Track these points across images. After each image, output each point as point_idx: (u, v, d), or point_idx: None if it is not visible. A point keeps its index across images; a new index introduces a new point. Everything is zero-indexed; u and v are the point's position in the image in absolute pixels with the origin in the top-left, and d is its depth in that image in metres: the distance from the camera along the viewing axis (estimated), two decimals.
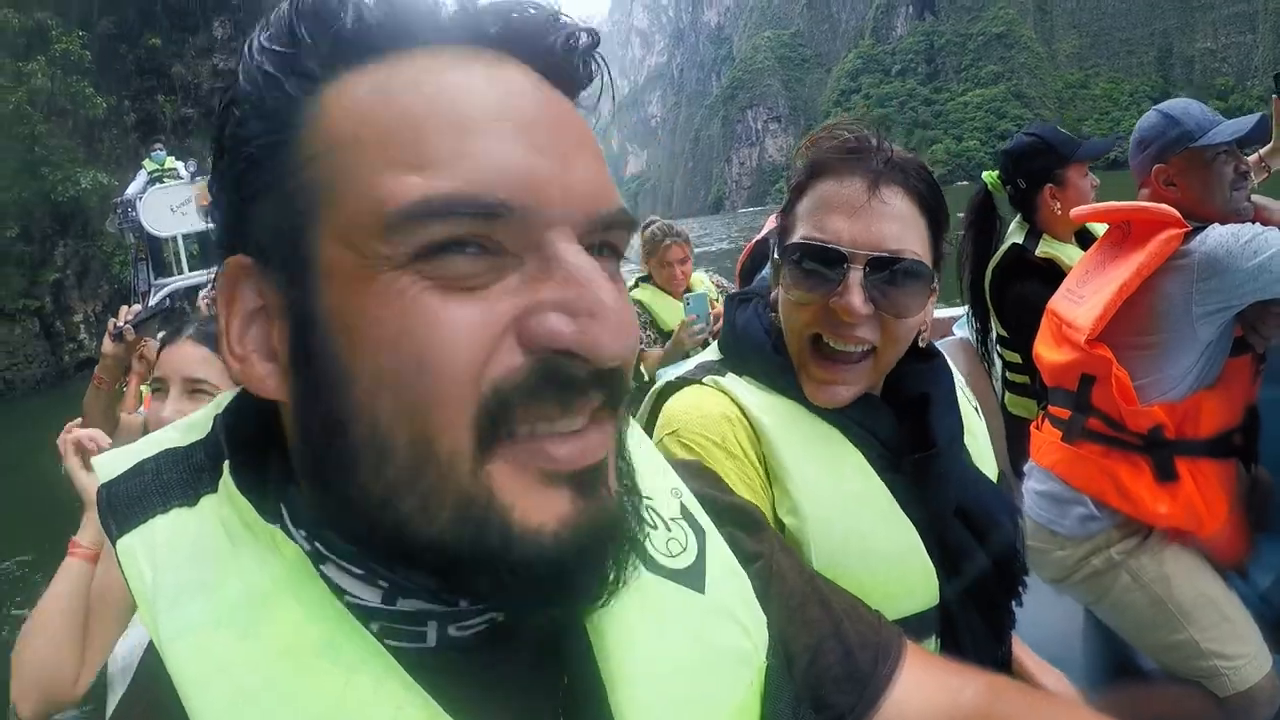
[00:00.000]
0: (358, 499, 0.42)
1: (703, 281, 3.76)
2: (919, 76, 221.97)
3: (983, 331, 2.81)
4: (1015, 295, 2.56)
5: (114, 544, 0.47)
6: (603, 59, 0.49)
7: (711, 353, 1.15)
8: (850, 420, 1.02)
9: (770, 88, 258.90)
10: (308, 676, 0.42)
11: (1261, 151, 2.28)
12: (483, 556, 0.41)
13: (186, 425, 0.52)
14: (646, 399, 1.13)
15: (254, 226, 0.43)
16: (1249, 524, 1.90)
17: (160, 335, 1.73)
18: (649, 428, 1.06)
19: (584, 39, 0.48)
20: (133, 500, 0.48)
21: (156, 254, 11.52)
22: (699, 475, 0.75)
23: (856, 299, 0.95)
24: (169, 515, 0.47)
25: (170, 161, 12.03)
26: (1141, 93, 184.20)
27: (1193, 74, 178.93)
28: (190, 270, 11.03)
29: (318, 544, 0.46)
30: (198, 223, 10.72)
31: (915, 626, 0.94)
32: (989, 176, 2.74)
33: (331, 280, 0.41)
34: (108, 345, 2.72)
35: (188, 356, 1.47)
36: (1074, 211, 2.17)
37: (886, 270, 0.96)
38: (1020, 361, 2.54)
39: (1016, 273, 2.59)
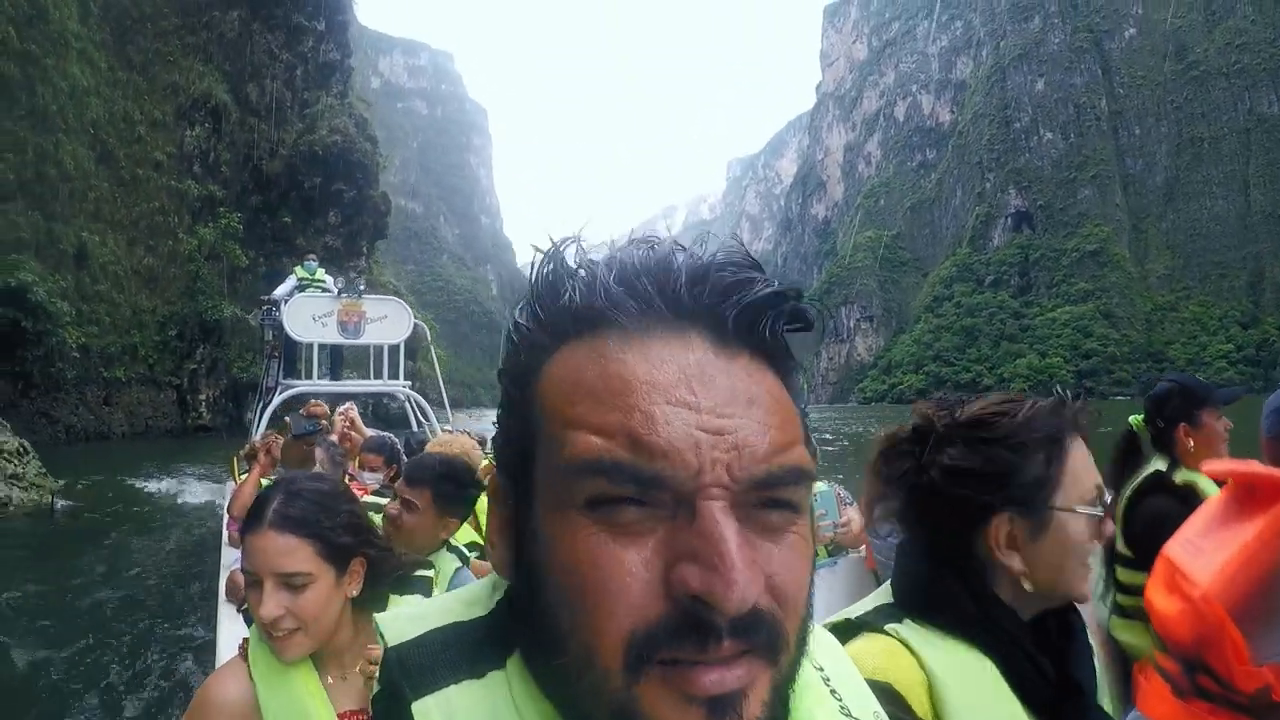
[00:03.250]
0: (553, 676, 0.51)
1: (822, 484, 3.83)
2: (1011, 289, 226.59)
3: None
4: (1150, 510, 2.75)
5: (409, 705, 0.54)
6: (805, 314, 0.55)
7: (884, 594, 1.24)
8: (1017, 658, 1.13)
9: (866, 286, 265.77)
10: None
11: None
12: None
13: (469, 599, 0.60)
14: None
15: (506, 443, 0.56)
16: None
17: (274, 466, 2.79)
18: None
19: (770, 307, 0.53)
20: (425, 668, 0.55)
21: (290, 356, 11.91)
22: (894, 700, 0.96)
23: None
24: (460, 686, 0.54)
25: (320, 273, 12.44)
26: (1230, 317, 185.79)
27: None
28: (318, 378, 11.50)
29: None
30: (335, 336, 11.24)
31: None
32: (1134, 420, 3.03)
33: (544, 506, 0.51)
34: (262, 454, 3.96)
35: (272, 548, 1.47)
36: (1206, 466, 2.15)
37: None
38: (1140, 585, 2.39)
39: (1154, 491, 2.80)
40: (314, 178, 38.02)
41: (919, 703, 1.07)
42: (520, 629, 0.55)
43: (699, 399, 0.50)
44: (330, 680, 1.54)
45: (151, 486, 17.11)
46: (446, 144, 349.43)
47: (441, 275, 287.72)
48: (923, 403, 1.22)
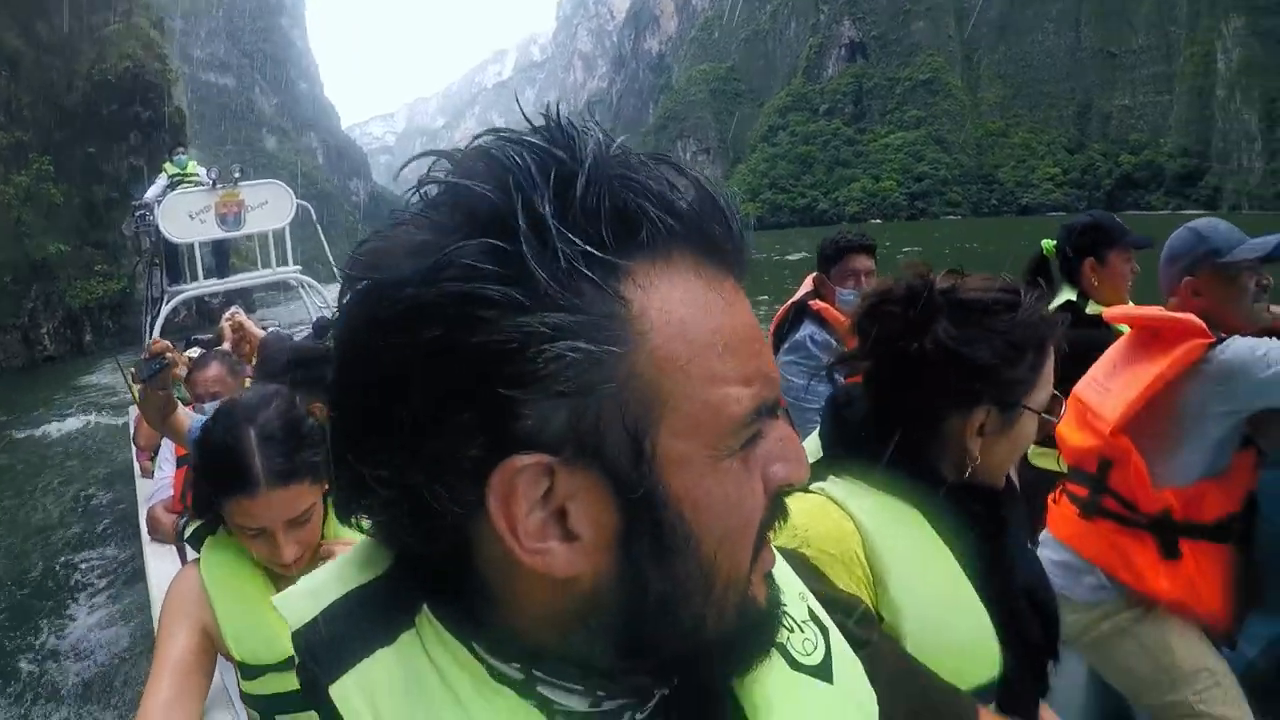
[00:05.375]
0: (668, 624, 0.51)
1: None
2: (845, 117, 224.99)
3: None
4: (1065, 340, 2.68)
5: (326, 690, 0.52)
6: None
7: (809, 451, 1.25)
8: (948, 508, 1.17)
9: (702, 120, 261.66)
10: None
11: None
12: (741, 636, 0.55)
13: (362, 561, 0.57)
14: None
15: (551, 425, 0.46)
16: (1240, 601, 2.13)
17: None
18: None
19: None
20: (336, 645, 0.53)
21: (172, 260, 11.41)
22: (805, 568, 0.90)
23: None
24: (374, 658, 0.52)
25: (192, 166, 11.82)
26: (1058, 143, 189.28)
27: (1109, 128, 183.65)
28: (205, 279, 11.06)
29: (534, 671, 0.53)
30: (216, 230, 10.77)
31: (982, 694, 1.11)
32: (1046, 245, 3.15)
33: (682, 467, 0.49)
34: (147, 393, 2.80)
35: (277, 503, 1.43)
36: (1109, 313, 2.44)
37: None
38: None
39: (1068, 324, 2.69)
40: (110, 105, 38.92)
41: (850, 558, 1.11)
42: (432, 579, 0.54)
43: (761, 336, 0.53)
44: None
45: (36, 429, 14.79)
46: (254, 8, 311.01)
47: (264, 151, 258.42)
48: (913, 263, 1.23)
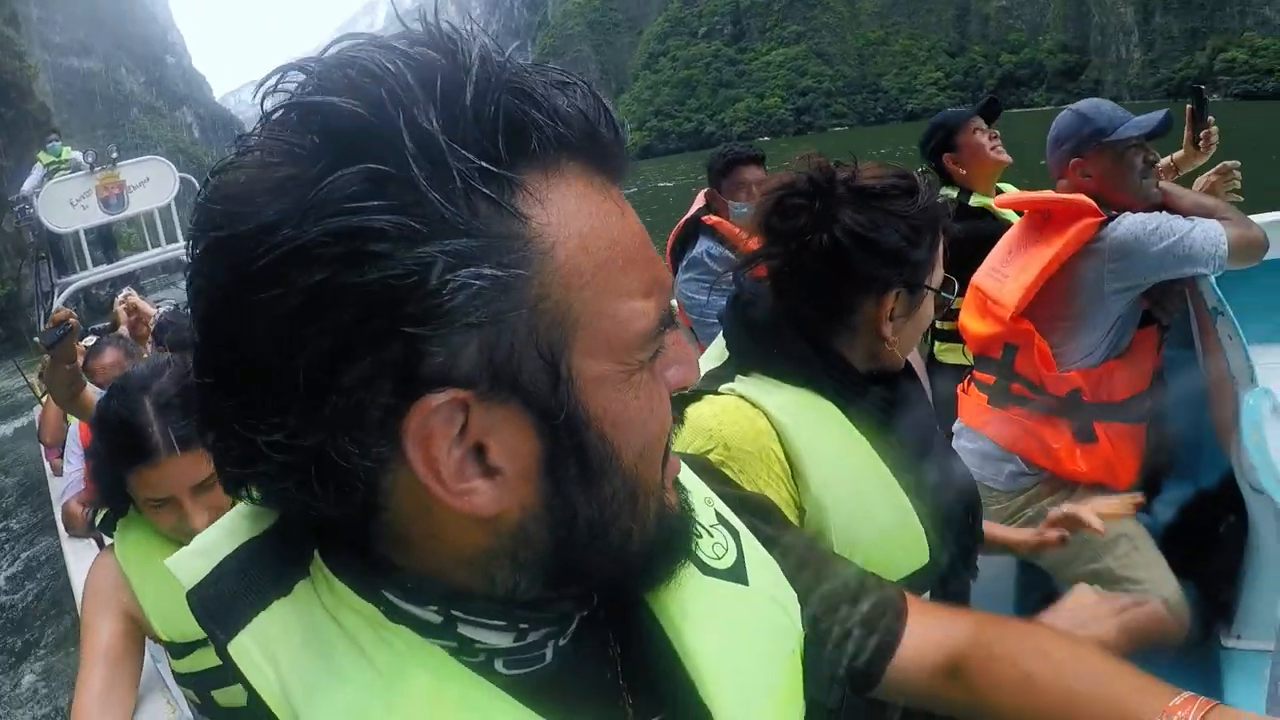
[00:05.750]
0: (597, 545, 0.51)
1: None
2: (724, 38, 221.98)
3: None
4: (954, 234, 2.38)
5: (225, 649, 0.50)
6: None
7: (712, 360, 1.26)
8: (859, 397, 1.18)
9: (581, 53, 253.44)
10: None
11: (1174, 157, 2.57)
12: (662, 544, 0.55)
13: (252, 512, 0.55)
14: None
15: (462, 360, 0.43)
16: (1155, 473, 2.28)
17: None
18: None
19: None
20: (231, 602, 0.51)
21: (58, 251, 11.20)
22: (708, 471, 0.90)
23: None
24: (270, 611, 0.51)
25: (67, 152, 11.52)
26: (939, 48, 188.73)
27: (988, 30, 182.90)
28: (94, 266, 10.70)
29: (453, 612, 0.51)
30: (99, 215, 10.56)
31: (914, 584, 1.11)
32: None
33: (599, 386, 0.47)
34: (51, 366, 2.94)
35: (179, 470, 1.39)
36: (1000, 199, 2.55)
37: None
38: (955, 309, 2.57)
39: (955, 217, 2.67)
40: None
41: (767, 454, 1.11)
42: (321, 524, 0.51)
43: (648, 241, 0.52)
44: None
45: None
46: None
47: (136, 131, 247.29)
48: (806, 156, 1.23)
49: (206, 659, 1.46)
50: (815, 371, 1.17)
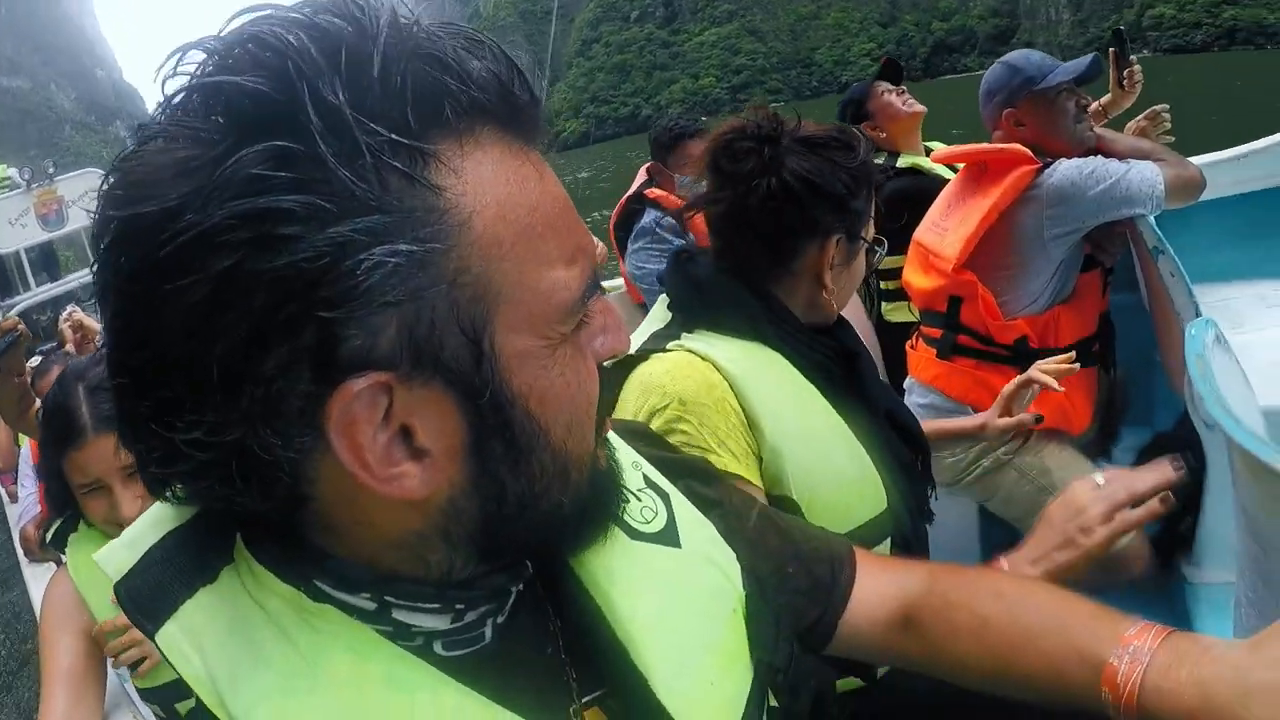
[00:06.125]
0: (528, 517, 0.51)
1: None
2: (657, 20, 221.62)
3: None
4: (888, 193, 2.73)
5: (154, 639, 0.49)
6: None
7: (656, 321, 1.28)
8: (804, 347, 1.22)
9: (514, 43, 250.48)
10: (379, 708, 0.49)
11: (1102, 101, 2.55)
12: (592, 506, 0.56)
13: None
14: None
15: (382, 341, 0.42)
16: (1111, 418, 2.33)
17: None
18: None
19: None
20: (156, 591, 0.50)
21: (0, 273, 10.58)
22: (643, 436, 0.89)
23: None
24: (195, 598, 0.50)
25: (3, 171, 11.30)
26: (871, 19, 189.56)
27: None
28: (37, 286, 10.66)
29: (387, 597, 0.51)
30: (39, 233, 10.54)
31: (873, 531, 1.17)
32: None
33: (523, 361, 0.47)
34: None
35: (111, 448, 1.37)
36: (935, 154, 2.64)
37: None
38: (897, 268, 2.62)
39: (887, 177, 2.84)
40: None
41: (723, 405, 1.13)
42: (244, 511, 0.49)
43: (571, 205, 0.51)
44: None
45: None
46: (35, 2, 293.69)
47: (70, 149, 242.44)
48: (756, 106, 1.27)
49: (167, 672, 1.41)
50: (759, 321, 1.19)
